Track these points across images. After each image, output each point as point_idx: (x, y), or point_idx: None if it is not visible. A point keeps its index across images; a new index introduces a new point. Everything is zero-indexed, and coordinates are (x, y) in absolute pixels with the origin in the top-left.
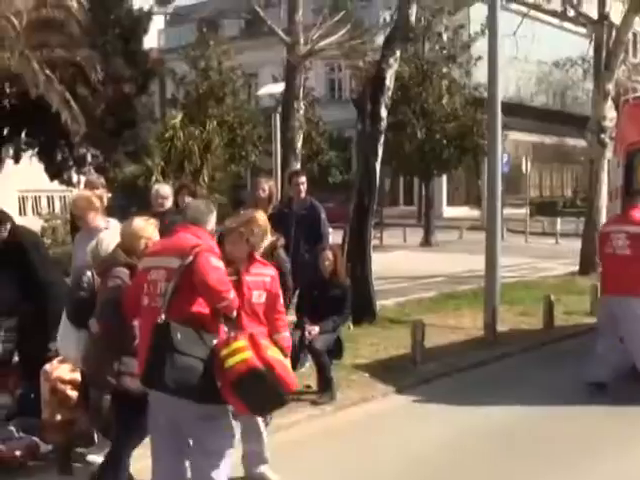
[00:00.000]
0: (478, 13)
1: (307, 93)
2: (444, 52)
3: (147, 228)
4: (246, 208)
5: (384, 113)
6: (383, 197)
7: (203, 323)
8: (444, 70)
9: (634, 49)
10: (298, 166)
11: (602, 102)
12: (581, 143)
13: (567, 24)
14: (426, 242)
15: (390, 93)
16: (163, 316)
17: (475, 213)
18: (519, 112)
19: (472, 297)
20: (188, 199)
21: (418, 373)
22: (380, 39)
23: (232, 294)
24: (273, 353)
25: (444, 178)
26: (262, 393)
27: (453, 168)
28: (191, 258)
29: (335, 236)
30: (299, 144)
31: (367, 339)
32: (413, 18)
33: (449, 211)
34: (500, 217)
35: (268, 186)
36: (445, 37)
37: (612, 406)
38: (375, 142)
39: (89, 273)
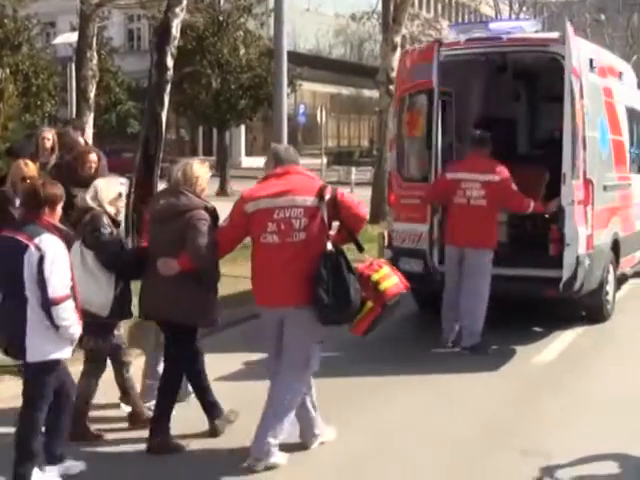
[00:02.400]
0: None
1: (105, 43)
2: (240, 3)
3: (205, 169)
4: (24, 158)
5: (170, 63)
6: (183, 147)
7: None
8: (240, 21)
9: (427, 5)
10: (91, 116)
11: (390, 54)
12: (377, 94)
13: None
14: (222, 191)
15: (177, 42)
16: (330, 245)
17: None
18: (317, 63)
19: None
20: None
21: None
22: None
23: None
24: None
25: (242, 128)
26: (394, 311)
27: (248, 118)
28: (329, 195)
29: None
30: (92, 94)
31: None
32: None
33: (247, 161)
34: None
35: (51, 135)
36: None
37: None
38: (161, 91)
39: (105, 217)
